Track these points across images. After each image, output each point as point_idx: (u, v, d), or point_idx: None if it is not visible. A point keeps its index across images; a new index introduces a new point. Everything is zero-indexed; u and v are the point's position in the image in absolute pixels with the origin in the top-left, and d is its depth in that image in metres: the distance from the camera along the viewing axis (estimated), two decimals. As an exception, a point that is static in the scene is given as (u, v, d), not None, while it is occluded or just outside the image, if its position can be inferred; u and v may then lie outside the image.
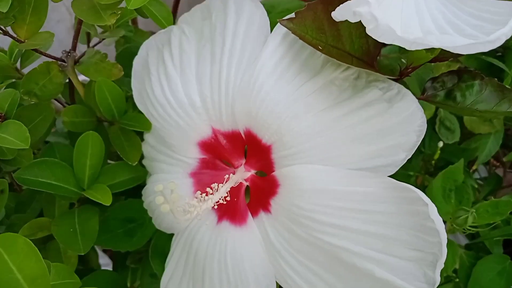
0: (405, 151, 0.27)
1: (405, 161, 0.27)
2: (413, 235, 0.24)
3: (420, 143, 0.54)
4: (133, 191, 0.38)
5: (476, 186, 0.48)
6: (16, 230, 0.36)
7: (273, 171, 0.27)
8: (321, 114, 0.26)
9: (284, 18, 0.27)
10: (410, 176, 0.52)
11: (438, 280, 0.24)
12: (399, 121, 0.27)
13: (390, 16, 0.24)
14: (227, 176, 0.27)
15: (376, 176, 0.25)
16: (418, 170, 0.52)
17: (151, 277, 0.39)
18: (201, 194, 0.26)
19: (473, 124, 0.45)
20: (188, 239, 0.29)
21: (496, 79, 0.34)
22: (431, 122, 0.52)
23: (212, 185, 0.26)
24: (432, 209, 0.23)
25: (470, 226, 0.43)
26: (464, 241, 0.56)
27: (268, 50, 0.26)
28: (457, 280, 0.49)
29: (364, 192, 0.24)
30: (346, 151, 0.25)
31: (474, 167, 0.48)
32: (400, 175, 0.52)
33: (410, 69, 0.33)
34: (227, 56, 0.27)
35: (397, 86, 0.29)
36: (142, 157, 0.35)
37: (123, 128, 0.36)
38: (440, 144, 0.47)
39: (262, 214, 0.27)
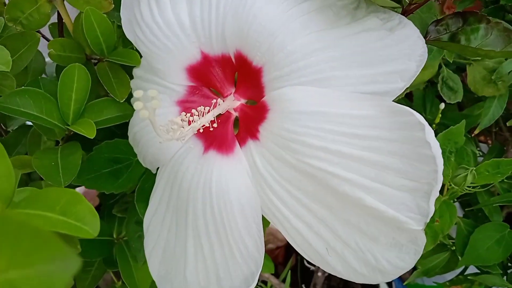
0: (403, 80, 0.25)
1: (403, 90, 0.26)
2: (408, 164, 0.23)
3: (421, 107, 0.52)
4: (121, 135, 0.37)
5: (476, 152, 0.46)
6: None
7: (263, 97, 0.25)
8: (317, 34, 0.24)
9: None
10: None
11: (432, 211, 0.23)
12: (400, 48, 0.25)
13: None
14: (214, 101, 0.26)
15: (374, 99, 0.23)
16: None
17: (136, 225, 0.37)
18: (185, 115, 0.24)
19: (477, 85, 0.44)
20: (172, 170, 0.28)
21: (503, 22, 0.32)
22: (433, 86, 0.50)
23: (198, 108, 0.25)
24: (429, 132, 0.22)
25: (468, 187, 0.42)
26: (461, 213, 0.54)
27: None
28: (454, 248, 0.47)
29: (359, 116, 0.23)
30: (342, 72, 0.24)
31: (476, 131, 0.46)
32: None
33: (413, 6, 0.32)
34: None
35: (398, 16, 0.27)
36: (130, 96, 0.34)
37: (111, 65, 0.34)
38: (442, 106, 0.45)
39: (250, 142, 0.26)
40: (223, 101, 0.27)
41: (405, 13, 0.31)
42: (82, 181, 0.34)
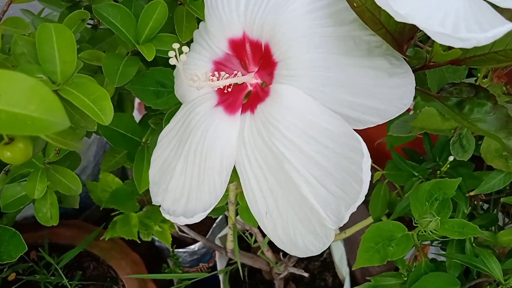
0: (380, 118, 0.31)
1: (375, 125, 0.31)
2: (344, 177, 0.29)
3: (435, 153, 0.55)
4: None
5: (466, 211, 0.50)
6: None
7: (271, 84, 0.32)
8: (327, 55, 0.30)
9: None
10: (415, 177, 0.55)
11: (345, 219, 0.29)
12: (390, 92, 0.31)
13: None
14: (236, 72, 0.33)
15: (342, 121, 0.29)
16: (424, 175, 0.54)
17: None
18: (208, 73, 0.32)
19: (488, 154, 0.47)
20: (189, 109, 0.36)
21: (507, 109, 0.36)
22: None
23: (221, 73, 0.33)
24: (366, 161, 0.28)
25: (438, 237, 0.46)
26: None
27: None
28: (405, 278, 0.52)
29: (325, 128, 0.29)
30: (330, 91, 0.30)
31: (471, 193, 0.50)
32: (406, 172, 0.55)
33: (432, 63, 0.36)
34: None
35: (406, 67, 0.32)
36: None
37: (188, 12, 0.43)
38: (451, 158, 0.49)
39: (248, 113, 0.33)
40: (243, 75, 0.34)
41: (424, 67, 0.36)
42: (132, 88, 0.43)
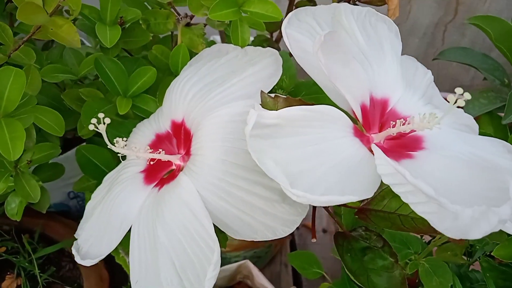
0: (270, 233, 0.33)
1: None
2: (195, 274, 0.31)
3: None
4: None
5: None
6: None
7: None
8: (230, 165, 0.33)
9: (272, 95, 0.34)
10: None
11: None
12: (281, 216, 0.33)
13: None
14: (160, 150, 0.37)
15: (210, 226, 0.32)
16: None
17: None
18: (135, 147, 0.36)
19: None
20: (125, 165, 0.41)
21: (404, 273, 0.35)
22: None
23: (146, 147, 0.37)
24: (212, 270, 0.30)
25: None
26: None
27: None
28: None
29: (200, 226, 0.32)
30: (219, 201, 0.33)
31: None
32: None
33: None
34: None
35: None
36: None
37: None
38: None
39: (157, 189, 0.37)
40: (172, 154, 0.38)
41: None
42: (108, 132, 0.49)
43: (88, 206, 0.43)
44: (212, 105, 0.36)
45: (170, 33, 0.53)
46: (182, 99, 0.38)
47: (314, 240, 0.36)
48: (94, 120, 0.35)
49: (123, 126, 0.49)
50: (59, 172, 0.56)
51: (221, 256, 0.91)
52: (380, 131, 0.34)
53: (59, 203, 0.92)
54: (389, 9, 0.46)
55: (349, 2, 0.52)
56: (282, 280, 1.02)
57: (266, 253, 0.96)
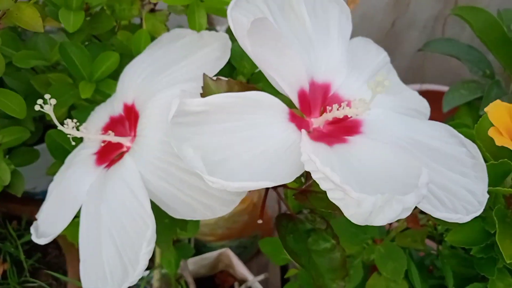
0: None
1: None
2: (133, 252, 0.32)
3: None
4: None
5: None
6: None
7: (128, 152, 0.37)
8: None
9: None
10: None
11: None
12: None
13: None
14: (110, 132, 0.38)
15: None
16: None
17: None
18: (85, 128, 0.37)
19: None
20: (81, 146, 0.42)
21: (346, 254, 0.35)
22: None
23: (98, 129, 0.38)
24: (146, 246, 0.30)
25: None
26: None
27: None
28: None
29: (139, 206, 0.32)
30: (160, 182, 0.33)
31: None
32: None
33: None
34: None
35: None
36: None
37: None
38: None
39: (105, 169, 0.37)
40: (122, 136, 0.39)
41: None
42: (76, 116, 0.50)
43: (50, 188, 0.44)
44: (159, 87, 0.36)
45: (140, 19, 0.53)
46: (133, 82, 0.39)
47: (260, 221, 0.36)
48: (40, 101, 0.36)
49: (89, 110, 0.50)
50: (33, 157, 0.57)
51: (205, 246, 0.92)
52: (321, 115, 0.34)
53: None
54: (349, -4, 0.46)
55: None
56: (269, 271, 1.02)
57: (252, 244, 0.96)
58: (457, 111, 0.71)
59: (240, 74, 0.46)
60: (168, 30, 0.47)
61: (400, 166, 0.28)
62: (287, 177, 0.28)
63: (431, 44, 0.81)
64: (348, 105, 0.32)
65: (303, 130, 0.31)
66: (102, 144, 0.39)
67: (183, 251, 0.63)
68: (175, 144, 0.27)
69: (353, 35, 0.39)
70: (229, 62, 0.39)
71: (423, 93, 1.01)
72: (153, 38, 0.47)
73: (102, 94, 0.47)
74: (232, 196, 0.33)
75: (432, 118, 0.40)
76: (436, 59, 1.19)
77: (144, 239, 0.31)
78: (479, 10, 0.73)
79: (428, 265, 0.54)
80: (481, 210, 0.31)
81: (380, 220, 0.24)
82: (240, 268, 0.77)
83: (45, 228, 0.40)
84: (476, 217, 0.41)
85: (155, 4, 0.48)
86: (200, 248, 0.92)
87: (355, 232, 0.45)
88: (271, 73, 0.31)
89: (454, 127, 0.45)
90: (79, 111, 0.49)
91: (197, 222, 0.59)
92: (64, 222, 0.38)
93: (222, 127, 0.29)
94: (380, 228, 0.48)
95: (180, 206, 0.33)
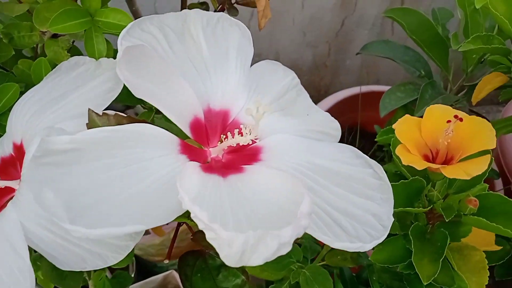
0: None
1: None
2: None
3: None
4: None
5: None
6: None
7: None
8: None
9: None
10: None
11: None
12: None
13: None
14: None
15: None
16: None
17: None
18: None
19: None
20: None
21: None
22: None
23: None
24: None
25: None
26: None
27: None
28: None
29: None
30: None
31: None
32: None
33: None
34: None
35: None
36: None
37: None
38: None
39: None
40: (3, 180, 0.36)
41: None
42: None
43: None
44: (45, 125, 0.33)
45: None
46: (20, 119, 0.36)
47: (166, 261, 0.34)
48: None
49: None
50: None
51: (156, 265, 0.89)
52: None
53: None
54: (259, 11, 0.44)
55: (229, 4, 0.50)
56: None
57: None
58: (394, 114, 0.71)
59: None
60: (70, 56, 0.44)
61: (285, 195, 0.26)
62: (166, 217, 0.26)
63: (368, 46, 0.80)
64: (240, 132, 0.30)
65: (189, 163, 0.28)
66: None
67: (119, 281, 0.60)
68: (32, 188, 0.24)
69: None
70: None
71: (365, 95, 1.01)
72: (55, 65, 0.44)
73: (2, 129, 0.44)
74: (125, 241, 0.30)
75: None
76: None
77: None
78: (410, 11, 0.72)
79: (366, 278, 0.53)
80: (385, 235, 0.30)
81: (256, 260, 0.22)
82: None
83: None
84: (397, 236, 0.41)
85: (55, 30, 0.45)
86: (151, 268, 0.89)
87: (279, 257, 0.44)
88: (155, 104, 0.29)
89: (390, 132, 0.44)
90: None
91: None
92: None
93: (95, 165, 0.26)
94: (305, 250, 0.46)
95: (68, 257, 0.30)
